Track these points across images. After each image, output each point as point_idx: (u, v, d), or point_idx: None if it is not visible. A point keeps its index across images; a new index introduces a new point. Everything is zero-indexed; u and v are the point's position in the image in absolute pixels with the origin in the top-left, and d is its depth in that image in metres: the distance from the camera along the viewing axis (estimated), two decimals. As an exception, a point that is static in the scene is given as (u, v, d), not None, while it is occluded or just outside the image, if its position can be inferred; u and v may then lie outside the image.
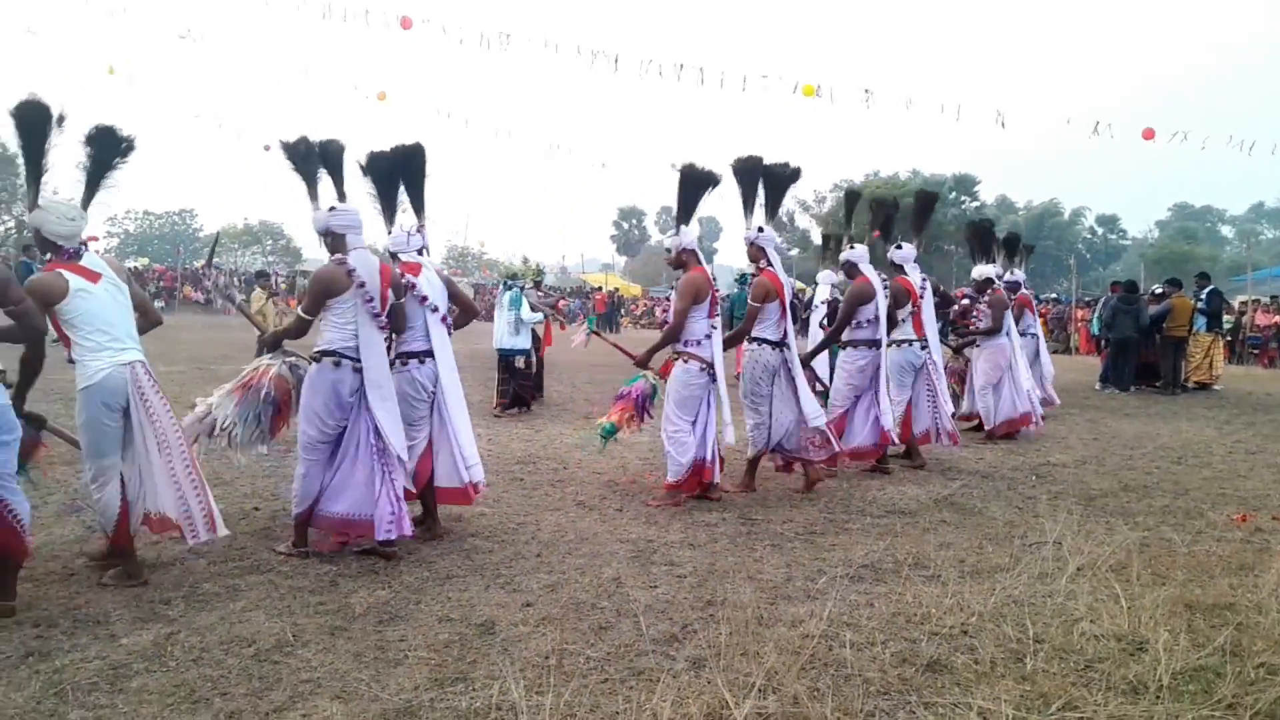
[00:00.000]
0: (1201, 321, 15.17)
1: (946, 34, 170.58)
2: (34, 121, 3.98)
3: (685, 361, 5.89)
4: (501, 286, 10.86)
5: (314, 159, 4.84)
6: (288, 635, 3.60)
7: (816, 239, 59.78)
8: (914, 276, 7.40)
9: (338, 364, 4.63)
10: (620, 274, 62.19)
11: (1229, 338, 20.57)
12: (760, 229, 6.26)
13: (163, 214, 74.58)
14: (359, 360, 4.65)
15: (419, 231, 5.19)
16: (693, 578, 4.44)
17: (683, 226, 6.04)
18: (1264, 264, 43.15)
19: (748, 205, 6.27)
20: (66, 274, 3.99)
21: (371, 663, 3.38)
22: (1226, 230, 76.71)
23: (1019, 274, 10.24)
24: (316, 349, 4.71)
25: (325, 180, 4.87)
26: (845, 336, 7.17)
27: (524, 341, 10.30)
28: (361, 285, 4.60)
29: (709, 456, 5.92)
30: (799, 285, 17.03)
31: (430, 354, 5.03)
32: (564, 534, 5.21)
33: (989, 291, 9.03)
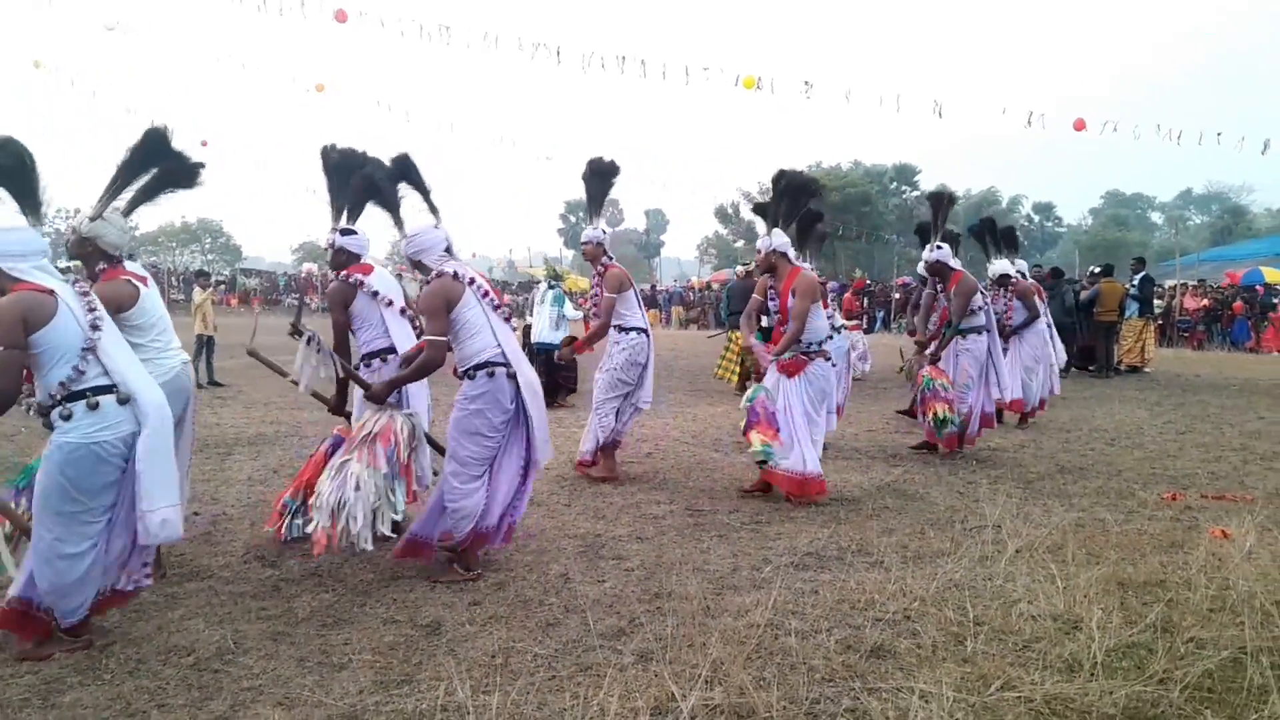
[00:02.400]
0: (1134, 306, 15.62)
1: (884, 27, 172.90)
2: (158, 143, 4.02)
3: (818, 359, 5.99)
4: (545, 285, 11.37)
5: (392, 183, 4.69)
6: (228, 643, 3.53)
7: (761, 230, 60.20)
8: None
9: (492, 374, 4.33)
10: (568, 267, 61.97)
11: (1160, 321, 21.19)
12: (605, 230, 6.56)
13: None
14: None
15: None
16: (640, 571, 4.45)
17: (775, 229, 6.18)
18: (1192, 249, 44.60)
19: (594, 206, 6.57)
20: (133, 280, 4.08)
21: (315, 668, 3.33)
22: (1156, 217, 78.91)
23: (1021, 264, 10.19)
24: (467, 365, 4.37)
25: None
26: (963, 325, 7.64)
27: (561, 337, 10.69)
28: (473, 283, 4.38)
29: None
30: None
31: (393, 350, 4.86)
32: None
33: (1009, 285, 9.08)
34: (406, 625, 3.75)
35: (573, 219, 79.77)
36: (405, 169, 4.62)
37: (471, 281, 4.33)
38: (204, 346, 12.05)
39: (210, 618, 3.81)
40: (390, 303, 4.90)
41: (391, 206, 4.64)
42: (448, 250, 4.45)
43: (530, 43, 17.98)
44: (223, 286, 37.71)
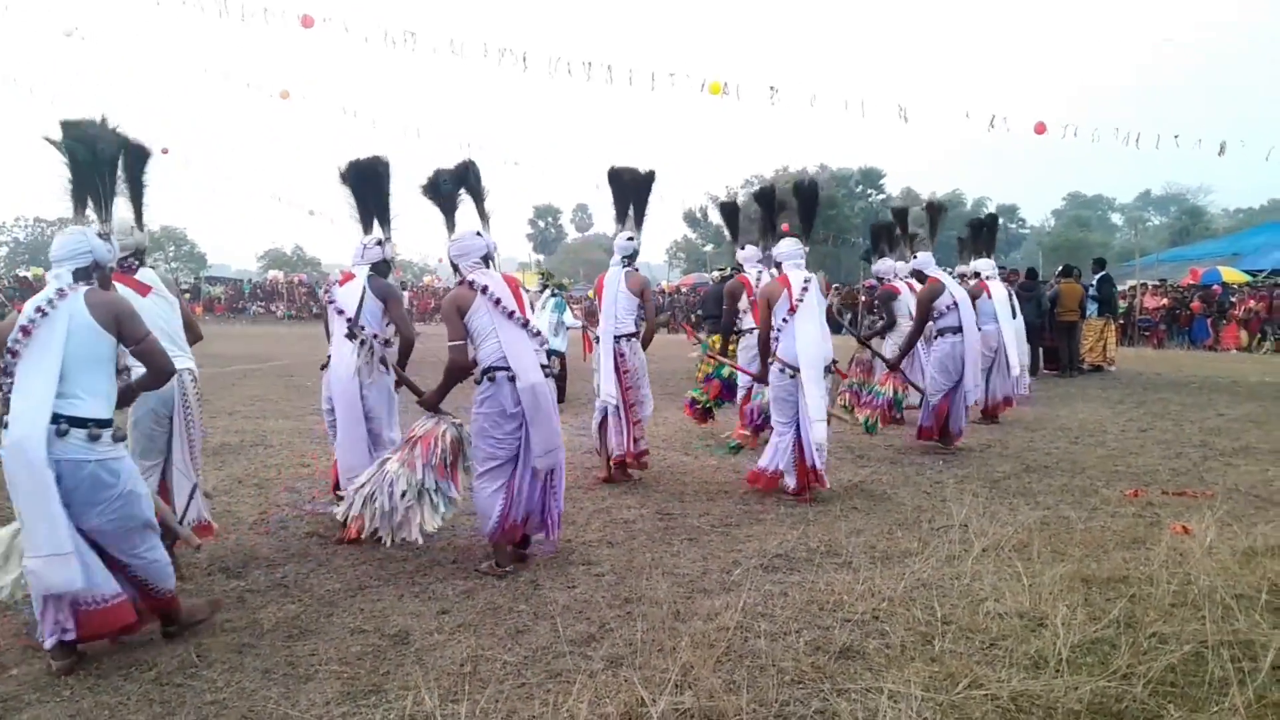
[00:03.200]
0: (1093, 306, 15.86)
1: (850, 33, 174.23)
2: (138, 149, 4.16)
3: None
4: (548, 292, 11.38)
5: (453, 186, 4.87)
6: (191, 656, 3.47)
7: (729, 234, 60.46)
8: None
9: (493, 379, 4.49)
10: (536, 272, 61.80)
11: (1121, 321, 21.51)
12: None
13: (55, 221, 71.16)
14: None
15: (378, 244, 5.23)
16: (610, 576, 4.44)
17: (793, 239, 6.33)
18: (1151, 249, 45.34)
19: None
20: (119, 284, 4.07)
21: (281, 679, 3.28)
22: (1116, 218, 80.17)
23: (981, 264, 9.69)
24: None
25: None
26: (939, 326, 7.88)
27: (561, 344, 10.75)
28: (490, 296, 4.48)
29: None
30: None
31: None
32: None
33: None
34: (374, 635, 3.71)
35: (541, 224, 79.64)
36: (466, 175, 4.88)
37: (485, 290, 4.42)
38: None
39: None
40: (341, 311, 5.09)
41: (448, 209, 4.89)
42: (485, 259, 4.59)
43: (496, 48, 17.96)
44: (187, 295, 37.18)
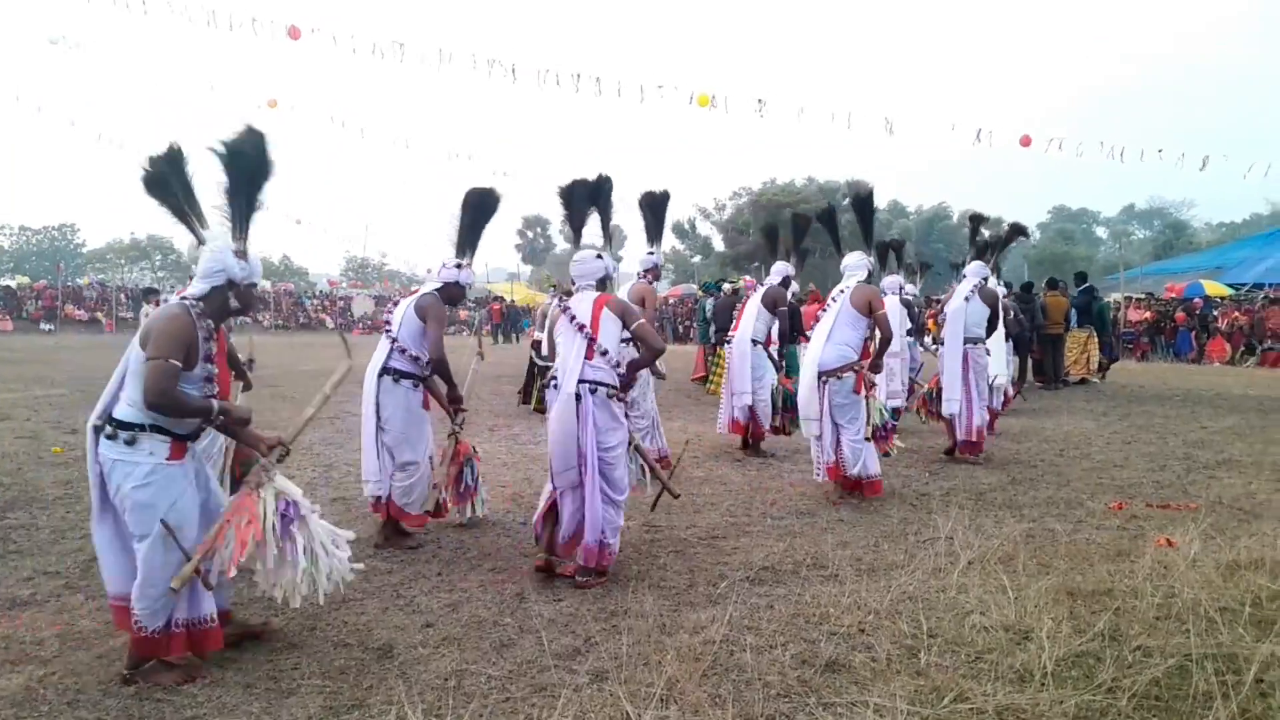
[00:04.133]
0: (1075, 317, 15.92)
1: (836, 46, 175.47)
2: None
3: None
4: (557, 301, 11.07)
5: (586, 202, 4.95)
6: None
7: (719, 245, 60.61)
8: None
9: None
10: (525, 283, 61.76)
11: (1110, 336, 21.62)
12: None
13: (40, 229, 70.74)
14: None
15: (456, 267, 5.35)
16: (597, 589, 4.42)
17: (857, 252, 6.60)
18: (1135, 263, 45.64)
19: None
20: None
21: (262, 694, 3.25)
22: (1101, 231, 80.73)
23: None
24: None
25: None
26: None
27: None
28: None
29: None
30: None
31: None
32: (466, 550, 5.13)
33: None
34: (357, 649, 3.68)
35: (530, 234, 79.53)
36: (600, 190, 5.01)
37: (565, 309, 4.73)
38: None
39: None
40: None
41: (577, 224, 5.01)
42: (602, 280, 4.81)
43: (485, 59, 18.00)
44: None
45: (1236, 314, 24.00)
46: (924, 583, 4.43)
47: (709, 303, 15.63)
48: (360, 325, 40.03)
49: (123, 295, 42.92)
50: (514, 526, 5.68)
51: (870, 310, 6.29)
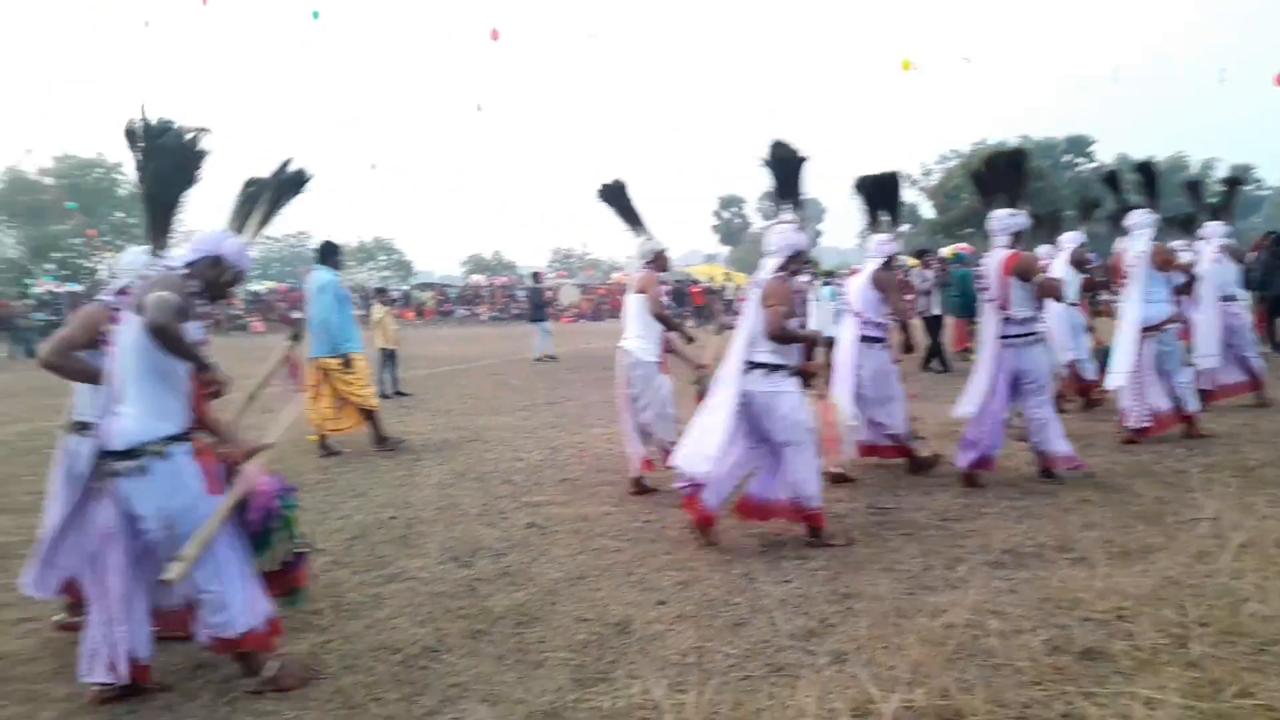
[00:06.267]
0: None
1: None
2: None
3: None
4: (821, 283, 11.91)
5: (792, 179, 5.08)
6: (432, 641, 3.70)
7: (927, 213, 58.02)
8: None
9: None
10: (724, 264, 61.83)
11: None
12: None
13: (281, 237, 77.97)
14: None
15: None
16: (825, 571, 4.36)
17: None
18: None
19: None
20: None
21: (514, 665, 3.44)
22: (1377, 172, 70.78)
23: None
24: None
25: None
26: None
27: (838, 330, 11.04)
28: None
29: None
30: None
31: None
32: (691, 530, 5.19)
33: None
34: (596, 623, 3.82)
35: (726, 215, 79.51)
36: (799, 167, 5.07)
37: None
38: (387, 359, 12.69)
39: (413, 617, 4.00)
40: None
41: (789, 189, 5.07)
42: (797, 255, 4.91)
43: (679, 40, 18.01)
44: (396, 301, 39.73)
45: None
46: (1188, 567, 4.06)
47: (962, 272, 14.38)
48: (568, 313, 41.47)
49: (355, 294, 46.50)
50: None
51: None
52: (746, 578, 4.32)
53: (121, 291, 3.67)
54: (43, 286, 42.91)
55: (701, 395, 5.41)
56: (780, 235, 4.91)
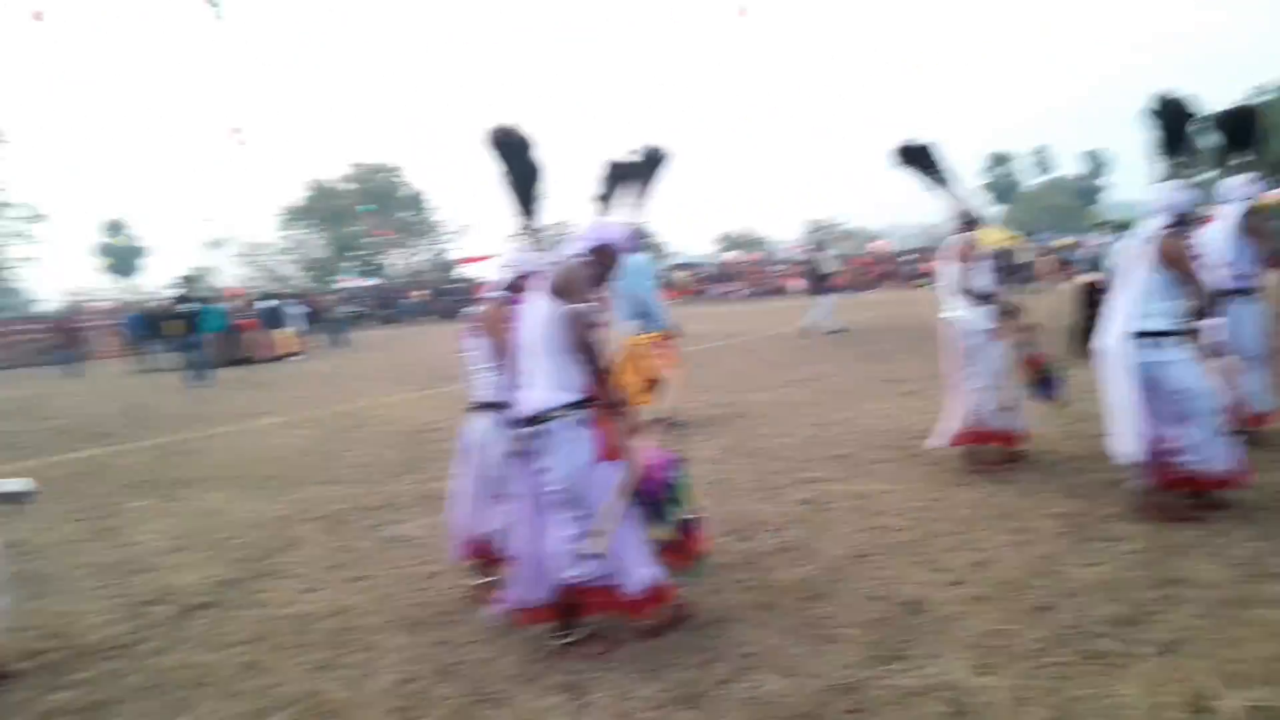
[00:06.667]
0: None
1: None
2: None
3: None
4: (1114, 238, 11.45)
5: None
6: (721, 611, 3.77)
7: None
8: None
9: None
10: (1000, 225, 58.16)
11: None
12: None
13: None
14: None
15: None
16: (1140, 554, 3.99)
17: None
18: None
19: None
20: None
21: (805, 639, 3.44)
22: None
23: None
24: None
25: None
26: None
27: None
28: None
29: None
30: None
31: None
32: (981, 509, 4.94)
33: None
34: (886, 602, 3.73)
35: (994, 172, 74.81)
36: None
37: None
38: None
39: (702, 588, 4.08)
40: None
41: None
42: (1184, 214, 4.60)
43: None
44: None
45: None
46: None
47: None
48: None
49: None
50: (1031, 485, 5.31)
51: None
52: (1047, 559, 4.05)
53: (512, 285, 4.01)
54: (345, 281, 48.42)
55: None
56: (1167, 193, 4.54)
